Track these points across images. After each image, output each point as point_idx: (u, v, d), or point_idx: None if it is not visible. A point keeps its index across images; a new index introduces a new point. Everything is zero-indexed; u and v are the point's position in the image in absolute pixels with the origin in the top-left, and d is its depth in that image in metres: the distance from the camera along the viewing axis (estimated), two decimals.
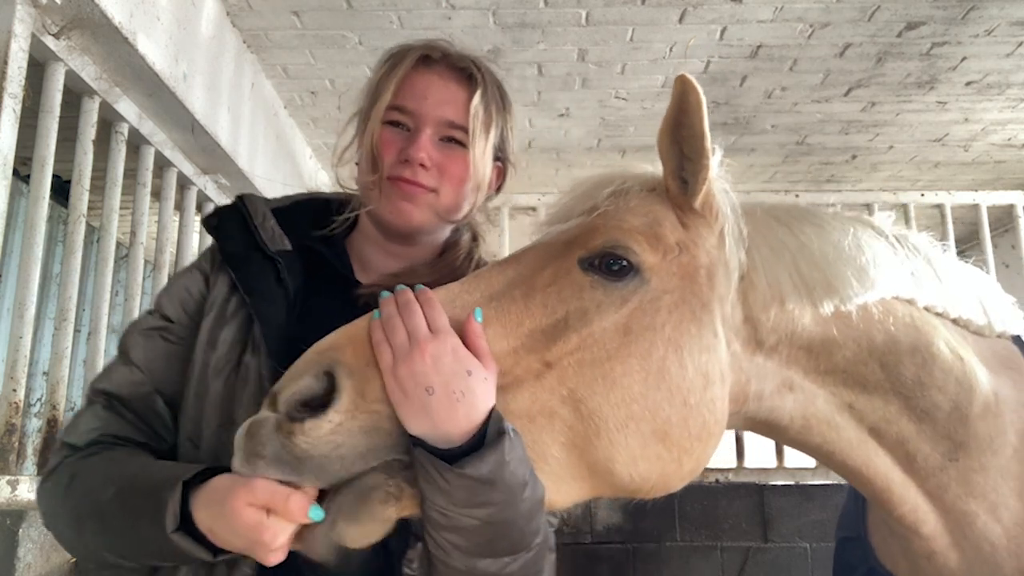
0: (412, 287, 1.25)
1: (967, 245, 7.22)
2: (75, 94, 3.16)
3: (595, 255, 1.19)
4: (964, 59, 4.56)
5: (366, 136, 1.48)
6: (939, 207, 4.41)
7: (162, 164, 3.95)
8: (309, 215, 1.56)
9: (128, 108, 3.48)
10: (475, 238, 1.67)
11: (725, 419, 1.23)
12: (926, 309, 1.37)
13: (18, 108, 2.54)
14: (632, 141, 5.70)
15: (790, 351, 1.30)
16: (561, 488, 1.13)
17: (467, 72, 1.50)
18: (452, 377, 1.04)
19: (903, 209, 4.38)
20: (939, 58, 4.54)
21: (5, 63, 2.50)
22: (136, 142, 3.67)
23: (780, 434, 1.39)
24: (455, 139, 1.47)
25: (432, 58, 1.50)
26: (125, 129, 3.51)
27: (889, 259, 1.35)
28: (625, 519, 3.47)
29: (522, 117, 5.30)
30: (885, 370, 1.32)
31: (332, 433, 1.00)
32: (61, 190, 3.75)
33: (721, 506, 3.53)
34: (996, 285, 1.51)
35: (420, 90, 1.47)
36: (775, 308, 1.26)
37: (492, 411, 1.05)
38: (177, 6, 3.43)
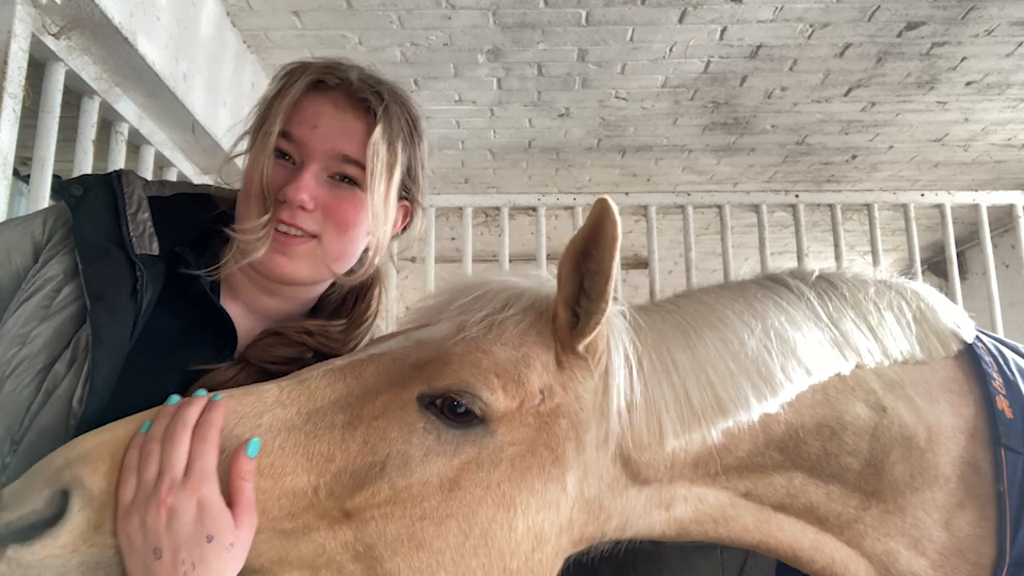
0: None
1: (967, 245, 7.23)
2: (75, 94, 3.16)
3: (437, 395, 1.04)
4: (964, 59, 4.55)
5: (254, 170, 1.27)
6: (939, 207, 4.41)
7: (162, 164, 3.94)
8: (189, 213, 1.32)
9: (128, 108, 3.48)
10: (376, 288, 1.44)
11: (553, 573, 1.10)
12: (857, 367, 1.28)
13: (18, 108, 2.54)
14: (632, 141, 5.70)
15: (672, 472, 1.17)
16: None
17: (366, 104, 1.28)
18: (185, 543, 0.88)
19: (903, 209, 4.38)
20: (939, 58, 4.54)
21: (5, 63, 2.49)
22: (136, 142, 3.67)
23: (647, 538, 1.28)
24: (348, 177, 1.27)
25: (327, 83, 1.28)
26: (125, 129, 3.50)
27: (808, 341, 1.24)
28: None
29: (522, 117, 5.30)
30: (784, 452, 1.22)
31: (34, 567, 0.85)
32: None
33: None
34: (941, 298, 1.42)
35: (309, 117, 1.26)
36: (654, 446, 1.13)
37: None
38: (177, 6, 3.43)
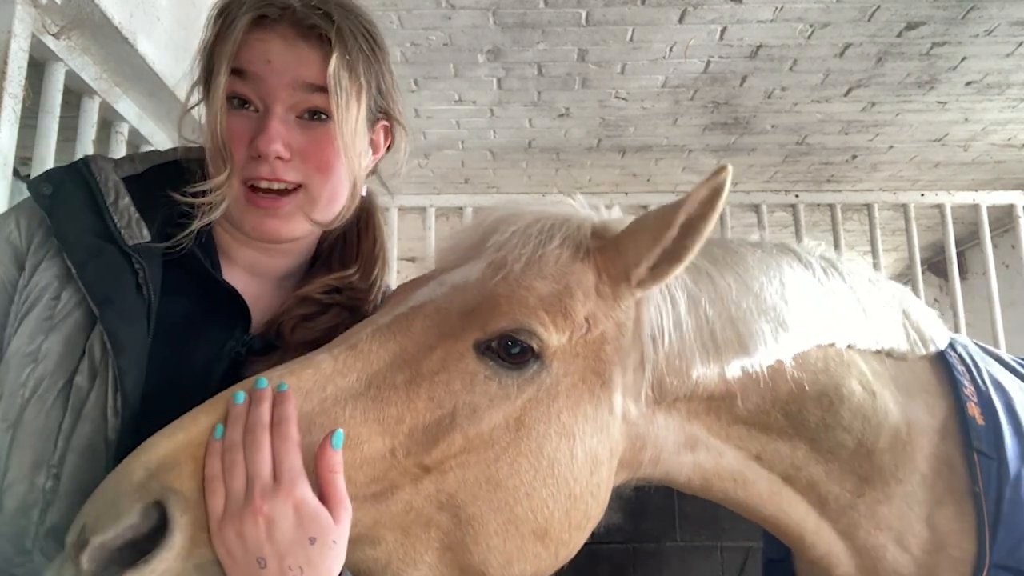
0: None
1: (967, 245, 7.22)
2: (75, 94, 3.16)
3: (494, 338, 1.05)
4: (964, 59, 4.56)
5: (208, 122, 1.17)
6: (939, 207, 4.41)
7: None
8: (166, 185, 1.20)
9: (128, 108, 3.48)
10: (375, 218, 1.38)
11: (607, 498, 1.14)
12: (848, 347, 1.32)
13: (18, 108, 2.54)
14: (632, 141, 5.70)
15: (690, 405, 1.22)
16: None
17: (317, 30, 1.17)
18: (289, 549, 0.87)
19: (903, 209, 4.38)
20: (939, 58, 4.54)
21: (5, 63, 2.49)
22: (136, 142, 3.67)
23: (678, 489, 1.34)
24: (318, 111, 1.18)
25: (269, 16, 1.17)
26: (125, 129, 3.50)
27: (814, 303, 1.30)
28: (625, 519, 3.47)
29: (522, 117, 5.30)
30: (788, 417, 1.27)
31: None
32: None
33: (721, 506, 3.53)
34: (917, 301, 1.49)
35: (259, 55, 1.16)
36: (683, 372, 1.17)
37: None
38: (177, 6, 3.43)
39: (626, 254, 1.13)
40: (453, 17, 4.10)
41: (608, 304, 1.14)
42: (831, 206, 4.41)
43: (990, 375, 1.43)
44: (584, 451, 1.07)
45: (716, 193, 1.05)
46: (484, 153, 5.88)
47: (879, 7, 4.02)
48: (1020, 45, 4.41)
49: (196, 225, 1.16)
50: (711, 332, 1.19)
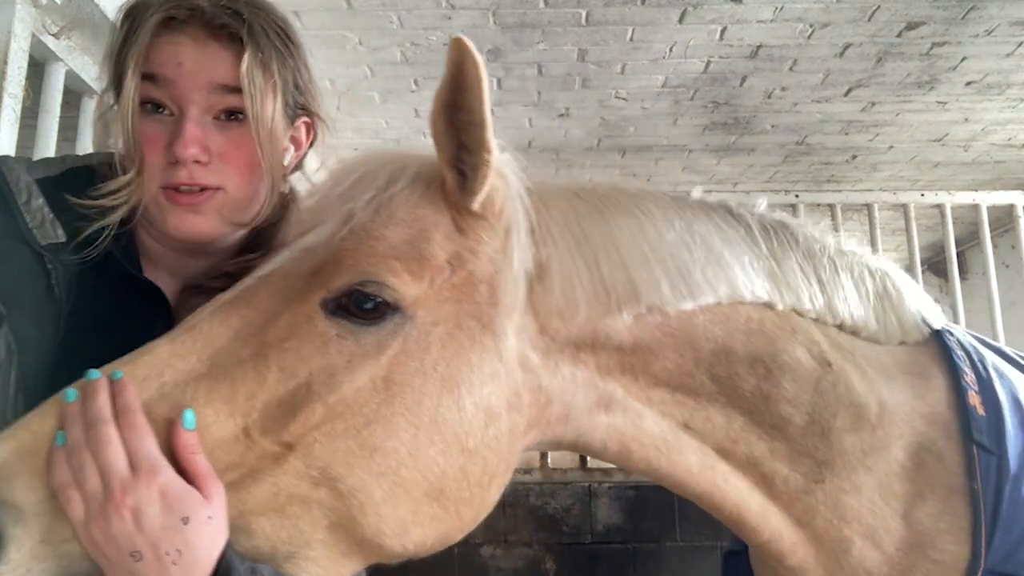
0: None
1: (967, 245, 7.23)
2: (75, 94, 3.16)
3: (341, 294, 0.97)
4: (964, 59, 4.56)
5: (120, 127, 1.16)
6: (939, 207, 4.40)
7: None
8: (82, 188, 1.19)
9: None
10: (291, 209, 1.35)
11: (513, 454, 1.06)
12: (795, 312, 1.21)
13: (18, 108, 2.54)
14: (632, 141, 5.70)
15: (598, 358, 1.12)
16: (331, 568, 0.96)
17: (228, 29, 1.15)
18: (163, 535, 0.83)
19: (903, 209, 4.38)
20: (939, 58, 4.54)
21: (5, 63, 2.50)
22: None
23: (597, 456, 1.23)
24: (234, 111, 1.16)
25: (178, 19, 1.15)
26: None
27: (735, 257, 1.18)
28: (625, 519, 3.47)
29: (522, 117, 5.30)
30: (717, 383, 1.16)
31: None
32: None
33: None
34: (913, 284, 1.37)
35: (170, 58, 1.14)
36: (569, 315, 1.08)
37: (221, 559, 0.86)
38: None
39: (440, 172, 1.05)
40: (453, 17, 4.10)
41: (473, 239, 1.05)
42: (831, 206, 4.41)
43: (992, 364, 1.33)
44: (474, 403, 0.99)
45: (460, 70, 0.95)
46: None
47: (879, 7, 4.02)
48: (1020, 45, 4.41)
49: (104, 223, 1.15)
50: (599, 273, 1.09)
